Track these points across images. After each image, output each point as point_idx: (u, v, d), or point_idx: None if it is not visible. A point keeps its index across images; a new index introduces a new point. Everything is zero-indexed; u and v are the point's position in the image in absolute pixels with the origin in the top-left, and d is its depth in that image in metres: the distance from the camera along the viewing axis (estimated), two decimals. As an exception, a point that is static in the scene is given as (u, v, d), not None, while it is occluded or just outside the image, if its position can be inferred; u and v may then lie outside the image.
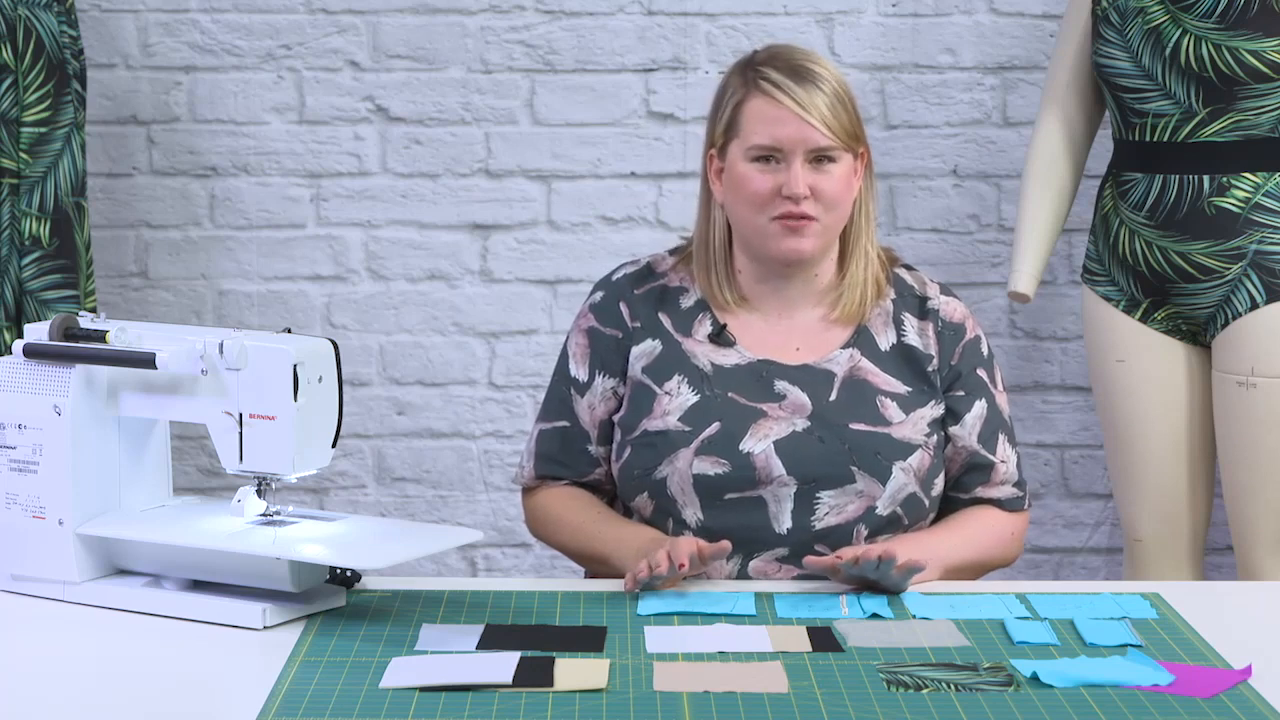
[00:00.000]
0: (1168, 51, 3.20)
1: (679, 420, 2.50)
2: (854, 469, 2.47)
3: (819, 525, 2.47)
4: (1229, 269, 3.21)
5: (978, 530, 2.54)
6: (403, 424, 3.87)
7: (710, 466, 2.47)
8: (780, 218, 2.47)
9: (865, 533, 2.47)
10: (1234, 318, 3.22)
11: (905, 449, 2.49)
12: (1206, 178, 3.21)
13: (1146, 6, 3.22)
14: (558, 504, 2.59)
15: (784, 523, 2.47)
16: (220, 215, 3.83)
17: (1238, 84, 3.17)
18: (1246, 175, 3.20)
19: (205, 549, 2.24)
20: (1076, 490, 3.90)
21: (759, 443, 2.47)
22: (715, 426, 2.49)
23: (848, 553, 2.33)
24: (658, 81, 3.80)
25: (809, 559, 2.37)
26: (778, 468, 2.46)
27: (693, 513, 2.48)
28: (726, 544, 2.36)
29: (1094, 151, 3.49)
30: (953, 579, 2.47)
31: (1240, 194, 3.20)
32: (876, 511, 2.47)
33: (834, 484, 2.47)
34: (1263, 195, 3.20)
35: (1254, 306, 3.20)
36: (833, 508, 2.47)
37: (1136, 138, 3.28)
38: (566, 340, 2.63)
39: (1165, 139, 3.23)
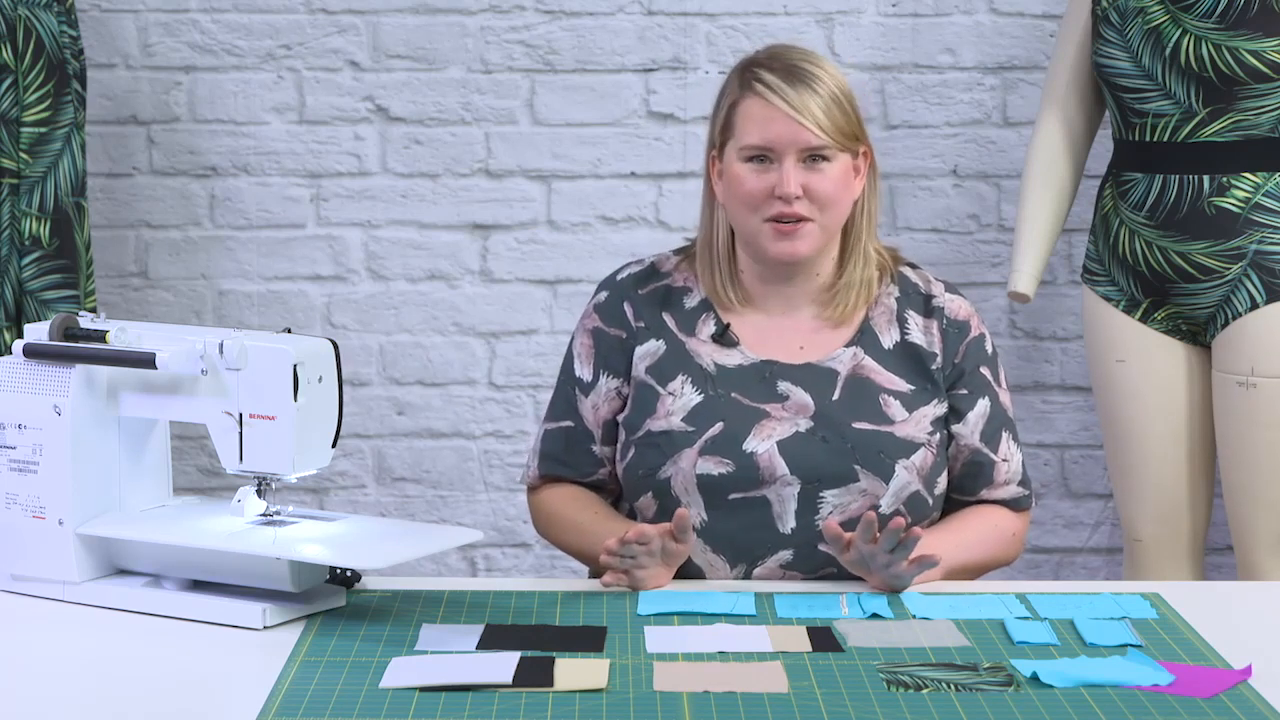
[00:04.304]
0: (1168, 51, 3.20)
1: (682, 420, 2.50)
2: (857, 467, 2.47)
3: (823, 525, 2.46)
4: (1229, 269, 3.21)
5: (980, 532, 2.54)
6: (403, 424, 3.87)
7: (714, 466, 2.47)
8: (773, 220, 2.48)
9: None
10: (1234, 318, 3.22)
11: (908, 447, 2.49)
12: (1206, 178, 3.21)
13: (1146, 6, 3.22)
14: (559, 503, 2.60)
15: (788, 523, 2.46)
16: (220, 215, 3.83)
17: (1238, 84, 3.16)
18: (1246, 175, 3.20)
19: (205, 549, 2.24)
20: (1076, 490, 3.90)
21: (762, 443, 2.47)
22: (719, 427, 2.49)
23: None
24: (658, 81, 3.79)
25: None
26: (781, 467, 2.46)
27: (697, 513, 2.48)
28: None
29: (1094, 151, 3.48)
30: (954, 579, 2.47)
31: (1240, 194, 3.20)
32: (880, 510, 2.47)
33: (837, 483, 2.46)
34: (1263, 195, 3.20)
35: (1254, 306, 3.20)
36: (836, 506, 2.46)
37: (1136, 138, 3.27)
38: (572, 340, 2.63)
39: (1165, 139, 3.23)
